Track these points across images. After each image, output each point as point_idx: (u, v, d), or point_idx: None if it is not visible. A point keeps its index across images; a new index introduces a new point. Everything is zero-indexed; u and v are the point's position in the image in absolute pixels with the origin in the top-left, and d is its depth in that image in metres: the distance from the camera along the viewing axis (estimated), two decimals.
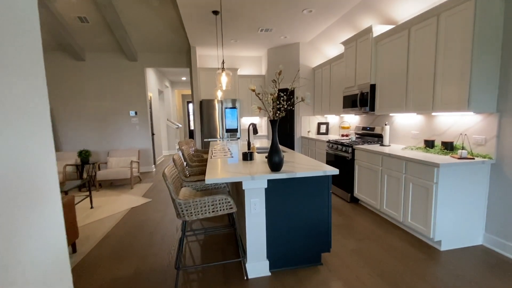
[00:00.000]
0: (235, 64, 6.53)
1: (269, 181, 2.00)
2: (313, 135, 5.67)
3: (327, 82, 5.04)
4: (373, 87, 3.61)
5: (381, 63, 3.49)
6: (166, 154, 9.31)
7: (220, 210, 1.88)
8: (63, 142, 5.88)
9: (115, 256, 2.46)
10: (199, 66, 6.20)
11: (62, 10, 4.51)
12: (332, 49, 5.28)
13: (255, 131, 6.11)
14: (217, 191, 2.30)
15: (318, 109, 5.53)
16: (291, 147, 5.83)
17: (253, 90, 2.09)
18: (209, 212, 1.86)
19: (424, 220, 2.50)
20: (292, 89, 5.57)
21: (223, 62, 2.53)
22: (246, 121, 6.70)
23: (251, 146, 3.08)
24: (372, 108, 3.64)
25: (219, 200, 1.86)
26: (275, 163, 2.01)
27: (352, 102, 3.98)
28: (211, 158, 2.78)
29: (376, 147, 3.37)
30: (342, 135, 4.70)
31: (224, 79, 2.54)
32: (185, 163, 3.05)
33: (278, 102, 2.00)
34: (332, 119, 5.55)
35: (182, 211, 1.81)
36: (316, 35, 5.13)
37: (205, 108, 5.74)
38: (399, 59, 3.13)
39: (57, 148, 5.81)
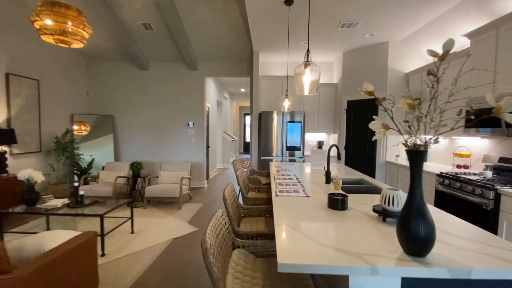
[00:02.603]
0: None
1: (404, 279, 0.98)
2: (403, 160, 4.31)
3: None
4: None
5: None
6: (220, 167, 8.90)
7: None
8: (122, 152, 5.85)
9: None
10: (261, 75, 5.53)
11: (128, 17, 4.40)
12: (436, 48, 3.93)
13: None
14: None
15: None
16: (371, 175, 4.55)
17: (371, 93, 1.14)
18: None
19: None
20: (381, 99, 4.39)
21: (307, 52, 1.61)
22: (310, 137, 5.69)
23: (334, 180, 2.09)
24: None
25: None
26: (420, 242, 0.98)
27: (481, 121, 2.63)
28: (276, 195, 1.90)
29: None
30: (458, 166, 3.28)
31: (308, 78, 1.63)
32: (240, 198, 2.23)
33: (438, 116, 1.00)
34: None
35: None
36: (415, 31, 3.89)
37: (263, 121, 4.98)
38: None
39: (117, 158, 5.79)
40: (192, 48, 5.25)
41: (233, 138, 10.00)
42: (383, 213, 1.40)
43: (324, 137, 5.69)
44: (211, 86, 6.91)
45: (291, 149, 4.98)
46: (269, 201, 2.35)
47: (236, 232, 1.59)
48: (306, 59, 1.64)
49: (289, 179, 2.59)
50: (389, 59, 4.31)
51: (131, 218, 3.22)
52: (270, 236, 1.62)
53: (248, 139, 14.43)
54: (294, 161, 4.96)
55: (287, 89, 3.42)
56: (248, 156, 12.88)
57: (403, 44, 4.29)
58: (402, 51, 4.31)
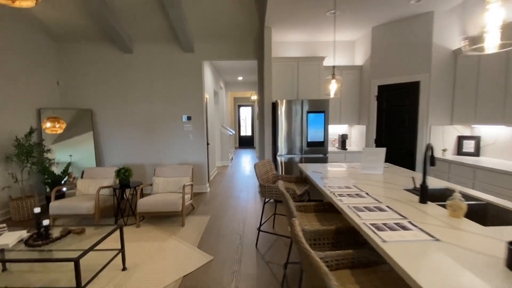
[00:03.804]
0: (318, 51, 4.82)
1: None
2: (449, 155, 3.62)
3: (493, 71, 2.98)
4: None
5: None
6: (218, 165, 8.02)
7: None
8: (104, 154, 4.85)
9: None
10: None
11: None
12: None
13: (343, 145, 4.18)
14: None
15: (460, 115, 3.48)
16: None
17: None
18: None
19: None
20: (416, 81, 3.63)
21: None
22: (331, 130, 4.89)
23: (451, 200, 1.31)
24: None
25: None
26: None
27: None
28: (382, 240, 1.09)
29: None
30: None
31: (499, 13, 0.59)
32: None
33: None
34: (488, 131, 3.42)
35: None
36: None
37: (277, 112, 4.12)
38: None
39: (98, 161, 4.79)
40: (187, 23, 4.28)
41: (231, 132, 9.10)
42: None
43: (346, 130, 4.93)
44: (207, 73, 5.95)
45: (312, 145, 4.18)
46: (339, 234, 1.54)
47: None
48: None
49: (355, 194, 1.79)
50: (434, 33, 3.54)
51: (122, 249, 2.34)
52: None
53: (243, 133, 13.52)
54: (314, 160, 4.17)
55: (333, 67, 2.59)
56: (243, 150, 12.01)
57: (452, 15, 3.53)
58: (449, 24, 3.55)
